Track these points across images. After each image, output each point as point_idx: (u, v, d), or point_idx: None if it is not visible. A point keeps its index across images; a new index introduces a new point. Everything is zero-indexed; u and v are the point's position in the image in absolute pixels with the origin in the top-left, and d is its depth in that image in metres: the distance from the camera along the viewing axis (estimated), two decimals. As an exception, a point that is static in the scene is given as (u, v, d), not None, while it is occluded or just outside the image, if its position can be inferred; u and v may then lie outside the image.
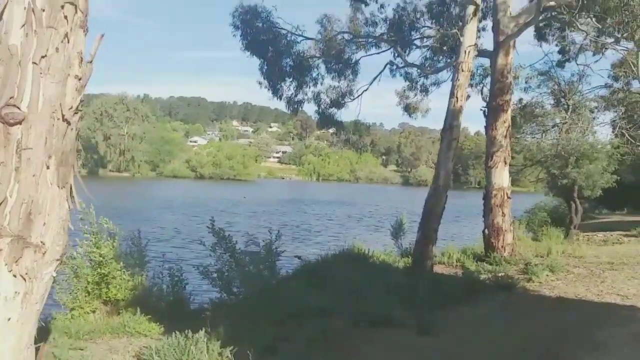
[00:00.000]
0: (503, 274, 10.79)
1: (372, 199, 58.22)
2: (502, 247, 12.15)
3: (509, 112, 12.17)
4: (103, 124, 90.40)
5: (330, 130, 16.59)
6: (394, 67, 14.97)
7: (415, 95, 17.45)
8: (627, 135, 22.10)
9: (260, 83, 13.73)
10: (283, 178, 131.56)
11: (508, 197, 12.26)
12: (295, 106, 14.59)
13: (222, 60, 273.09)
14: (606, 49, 20.96)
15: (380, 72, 14.98)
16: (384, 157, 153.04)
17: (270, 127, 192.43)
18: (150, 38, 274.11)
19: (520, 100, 18.97)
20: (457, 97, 10.42)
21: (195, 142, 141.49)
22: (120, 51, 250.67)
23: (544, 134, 19.52)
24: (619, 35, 17.75)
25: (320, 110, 15.26)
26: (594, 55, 20.29)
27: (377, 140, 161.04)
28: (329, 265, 12.00)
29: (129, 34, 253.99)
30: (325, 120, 15.36)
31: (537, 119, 19.30)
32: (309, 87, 14.57)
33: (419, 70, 15.64)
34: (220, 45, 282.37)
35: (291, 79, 14.05)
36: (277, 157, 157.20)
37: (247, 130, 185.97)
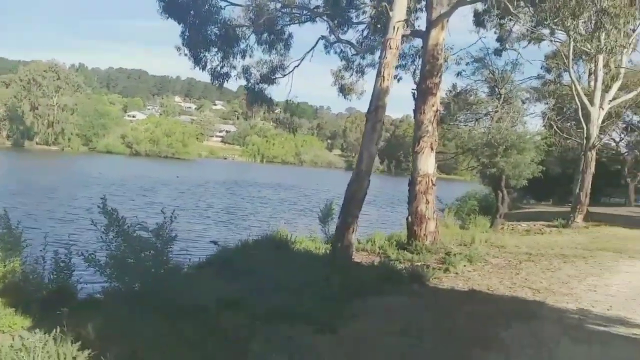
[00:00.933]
0: (421, 263, 10.46)
1: (311, 182, 57.78)
2: (424, 235, 11.83)
3: (438, 95, 11.77)
4: (31, 92, 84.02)
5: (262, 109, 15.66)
6: (328, 43, 14.18)
7: (351, 75, 16.85)
8: (555, 126, 22.72)
9: (179, 49, 12.51)
10: (225, 158, 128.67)
11: (433, 184, 11.93)
12: (220, 79, 13.47)
13: (163, 30, 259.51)
14: (542, 39, 21.30)
15: (313, 48, 14.18)
16: (329, 141, 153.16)
17: (215, 104, 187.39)
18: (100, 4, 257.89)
19: (454, 86, 18.84)
20: (383, 77, 9.81)
21: (133, 116, 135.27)
22: (60, 14, 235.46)
23: (476, 122, 19.57)
24: (553, 25, 17.93)
25: (249, 85, 14.26)
26: (529, 43, 20.52)
27: (324, 124, 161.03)
28: (246, 252, 11.27)
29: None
30: (255, 96, 14.36)
31: (470, 107, 19.28)
32: (237, 59, 13.56)
33: (352, 50, 14.96)
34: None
35: (216, 49, 12.95)
36: (221, 137, 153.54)
37: (190, 107, 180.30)
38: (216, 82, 13.51)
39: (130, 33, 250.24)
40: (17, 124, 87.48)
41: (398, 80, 16.48)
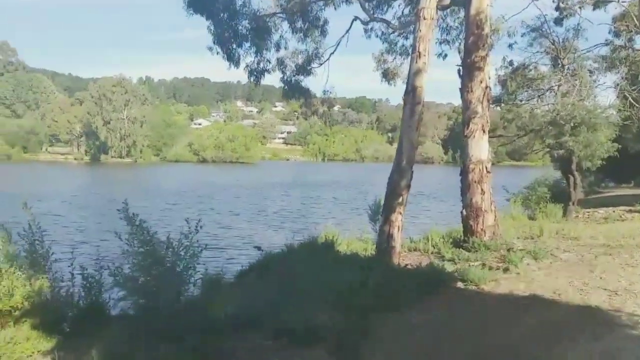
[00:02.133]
0: (478, 262, 9.27)
1: (370, 178, 56.52)
2: (481, 230, 10.55)
3: (487, 70, 10.40)
4: (102, 107, 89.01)
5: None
6: (363, 23, 13.06)
7: (395, 59, 15.60)
8: (630, 98, 20.11)
9: (210, 49, 12.02)
10: (288, 159, 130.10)
11: (488, 172, 10.60)
12: (257, 75, 12.80)
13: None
14: (608, 1, 18.97)
15: (348, 30, 13.12)
16: (389, 134, 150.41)
17: (275, 106, 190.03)
18: (152, 19, 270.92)
19: (511, 62, 17.08)
20: (419, 52, 8.72)
21: (199, 124, 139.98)
22: (120, 32, 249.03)
23: (539, 100, 17.68)
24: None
25: (285, 78, 13.55)
26: (594, 10, 18.28)
27: (383, 117, 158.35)
28: (288, 258, 10.65)
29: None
30: (292, 89, 13.61)
31: (531, 83, 17.44)
32: (271, 52, 12.88)
33: (389, 28, 13.79)
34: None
35: (249, 44, 12.35)
36: (283, 138, 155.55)
37: (251, 111, 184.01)
38: (253, 78, 12.90)
39: (192, 42, 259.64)
40: (92, 139, 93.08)
41: (443, 58, 15.08)
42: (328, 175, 62.81)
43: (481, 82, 10.34)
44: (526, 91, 17.78)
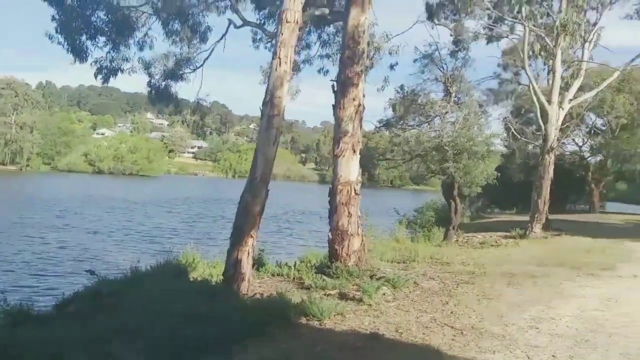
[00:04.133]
0: (336, 291, 8.51)
1: (272, 196, 55.38)
2: (346, 255, 9.86)
3: (361, 87, 9.86)
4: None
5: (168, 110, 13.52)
6: (237, 28, 12.00)
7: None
8: (512, 129, 21.15)
9: (50, 37, 10.23)
10: (196, 174, 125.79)
11: (356, 194, 9.99)
12: (107, 74, 11.22)
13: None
14: (500, 37, 19.83)
15: (224, 35, 12.10)
16: (303, 154, 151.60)
17: (186, 120, 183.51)
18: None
19: (402, 86, 17.06)
20: (279, 58, 7.89)
21: (102, 134, 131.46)
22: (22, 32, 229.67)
23: (428, 125, 17.80)
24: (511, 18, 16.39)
25: (152, 82, 12.14)
26: (487, 44, 19.03)
27: (297, 138, 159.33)
28: (130, 284, 9.23)
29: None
30: (159, 95, 12.22)
31: (422, 108, 17.50)
32: (130, 50, 11.41)
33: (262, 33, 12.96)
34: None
35: (105, 38, 10.82)
36: (193, 153, 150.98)
37: (162, 124, 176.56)
38: (100, 77, 11.26)
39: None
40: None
41: (324, 74, 14.58)
42: (227, 191, 60.81)
43: (354, 99, 9.77)
44: (416, 117, 17.83)
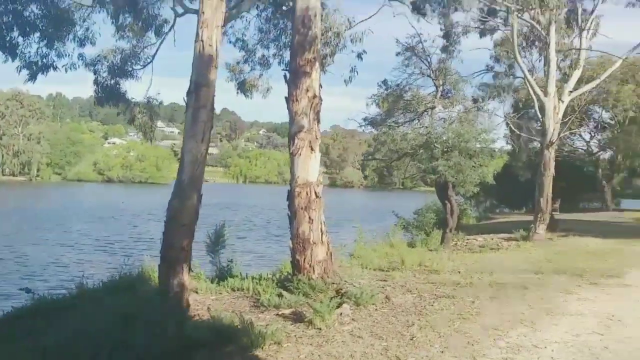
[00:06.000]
0: (290, 310, 7.27)
1: (278, 201, 54.29)
2: (309, 266, 8.56)
3: (315, 76, 8.58)
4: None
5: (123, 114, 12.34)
6: (179, 17, 10.80)
7: (253, 69, 13.72)
8: (510, 125, 19.67)
9: None
10: (207, 181, 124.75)
11: (317, 196, 8.69)
12: (35, 70, 9.97)
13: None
14: (495, 30, 18.48)
15: (172, 26, 10.89)
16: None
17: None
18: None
19: (385, 81, 15.75)
20: (202, 41, 6.68)
21: (113, 143, 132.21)
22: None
23: (418, 121, 16.46)
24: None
25: (98, 80, 11.02)
26: (480, 38, 17.67)
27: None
28: (70, 304, 8.17)
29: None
30: (106, 93, 11.08)
31: (409, 105, 16.18)
32: (70, 47, 10.31)
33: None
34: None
35: (39, 34, 9.73)
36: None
37: (172, 132, 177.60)
38: (28, 74, 9.91)
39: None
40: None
41: (266, 67, 13.34)
42: (233, 197, 59.82)
43: (307, 90, 8.50)
44: (403, 113, 16.51)
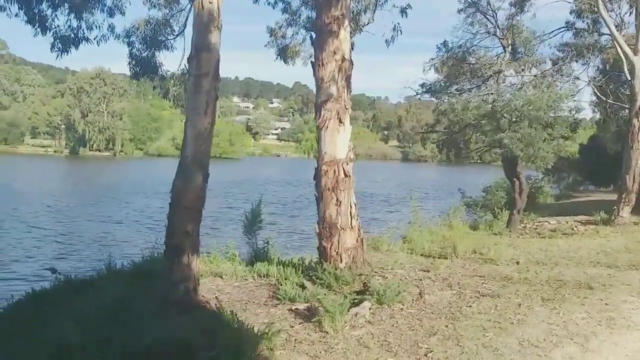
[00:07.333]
0: (305, 306, 6.47)
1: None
2: (336, 254, 7.69)
3: (344, 36, 7.46)
4: (81, 100, 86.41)
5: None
6: None
7: (296, 34, 12.68)
8: (595, 90, 17.16)
9: (2, 9, 9.03)
10: (279, 155, 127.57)
11: (346, 175, 7.71)
12: (67, 44, 9.65)
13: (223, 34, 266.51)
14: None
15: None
16: (385, 132, 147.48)
17: (272, 102, 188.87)
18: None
19: (445, 43, 14.13)
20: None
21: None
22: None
23: (484, 87, 14.76)
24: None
25: (132, 51, 10.60)
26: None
27: (380, 115, 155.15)
28: (87, 287, 7.93)
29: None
30: (141, 66, 10.59)
31: (472, 68, 14.51)
32: (101, 19, 9.91)
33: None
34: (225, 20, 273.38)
35: (68, 7, 9.36)
36: (276, 134, 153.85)
37: (247, 107, 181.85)
38: (58, 49, 9.60)
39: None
40: (72, 132, 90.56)
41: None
42: (294, 172, 59.29)
43: (335, 52, 7.44)
44: (466, 79, 14.85)
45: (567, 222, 14.71)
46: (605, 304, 6.10)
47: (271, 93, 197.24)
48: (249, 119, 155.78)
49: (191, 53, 6.07)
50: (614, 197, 18.64)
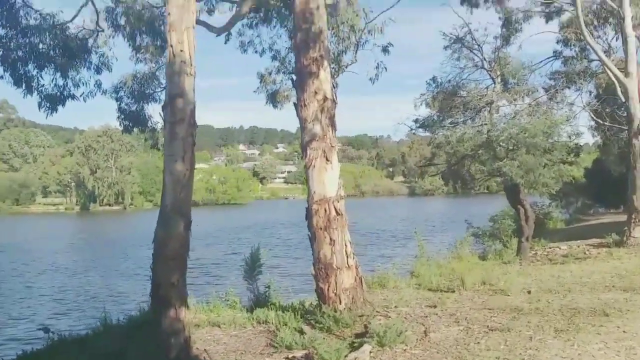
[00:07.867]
0: (303, 353, 6.14)
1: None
2: (334, 295, 7.40)
3: (324, 76, 7.41)
4: (89, 158, 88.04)
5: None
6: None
7: (285, 80, 12.83)
8: (590, 114, 17.02)
9: None
10: (287, 198, 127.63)
11: (338, 213, 7.50)
12: (54, 102, 9.69)
13: (227, 87, 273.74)
14: (561, 11, 16.31)
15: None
16: (390, 169, 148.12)
17: (277, 148, 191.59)
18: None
19: (434, 79, 14.17)
20: (171, 46, 5.74)
21: (199, 168, 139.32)
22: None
23: (477, 118, 14.67)
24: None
25: (121, 105, 10.67)
26: (547, 23, 15.63)
27: (383, 153, 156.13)
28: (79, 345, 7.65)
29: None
30: (130, 120, 10.65)
31: (463, 101, 14.46)
32: (87, 76, 10.02)
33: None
34: (228, 73, 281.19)
35: (54, 66, 9.54)
36: (283, 177, 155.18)
37: (253, 154, 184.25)
38: (46, 108, 9.68)
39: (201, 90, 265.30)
40: (82, 189, 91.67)
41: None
42: (303, 213, 58.97)
43: (316, 93, 7.39)
44: (459, 112, 14.80)
45: (578, 246, 14.29)
46: (623, 331, 5.72)
47: (276, 139, 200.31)
48: (255, 164, 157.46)
49: (165, 100, 6.04)
50: (625, 218, 18.17)
